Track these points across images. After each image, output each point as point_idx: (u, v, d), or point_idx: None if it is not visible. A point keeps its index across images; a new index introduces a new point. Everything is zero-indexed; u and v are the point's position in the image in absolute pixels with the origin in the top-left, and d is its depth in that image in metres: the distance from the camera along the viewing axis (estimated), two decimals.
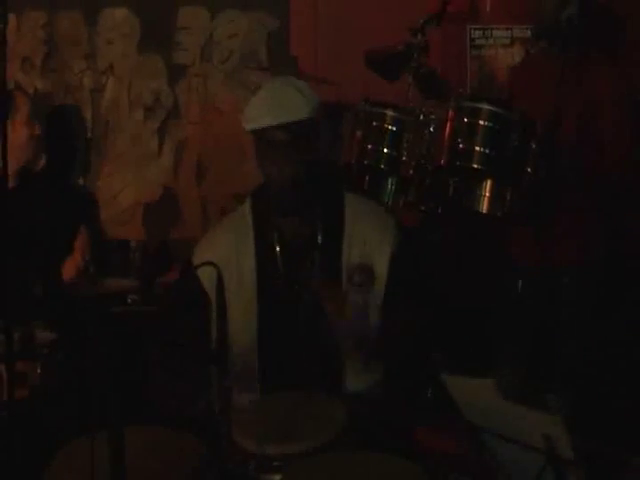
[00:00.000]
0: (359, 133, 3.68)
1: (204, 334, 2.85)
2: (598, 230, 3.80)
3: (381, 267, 2.94)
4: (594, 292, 3.79)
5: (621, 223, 3.86)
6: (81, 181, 5.26)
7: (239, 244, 3.00)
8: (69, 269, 3.94)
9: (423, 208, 3.63)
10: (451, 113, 3.38)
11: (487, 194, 3.37)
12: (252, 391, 2.95)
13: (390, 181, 3.72)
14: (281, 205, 2.95)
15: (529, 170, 3.33)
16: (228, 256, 2.97)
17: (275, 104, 2.89)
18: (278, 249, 2.98)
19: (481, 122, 3.31)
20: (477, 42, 4.99)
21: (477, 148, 3.30)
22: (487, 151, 3.30)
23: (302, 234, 2.99)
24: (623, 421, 3.50)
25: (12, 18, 5.20)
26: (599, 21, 3.95)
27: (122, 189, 5.38)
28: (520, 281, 3.88)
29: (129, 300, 4.18)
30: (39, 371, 3.20)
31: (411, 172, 3.60)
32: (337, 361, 2.94)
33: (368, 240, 2.96)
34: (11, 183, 3.97)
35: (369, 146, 3.66)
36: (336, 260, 2.95)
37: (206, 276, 2.85)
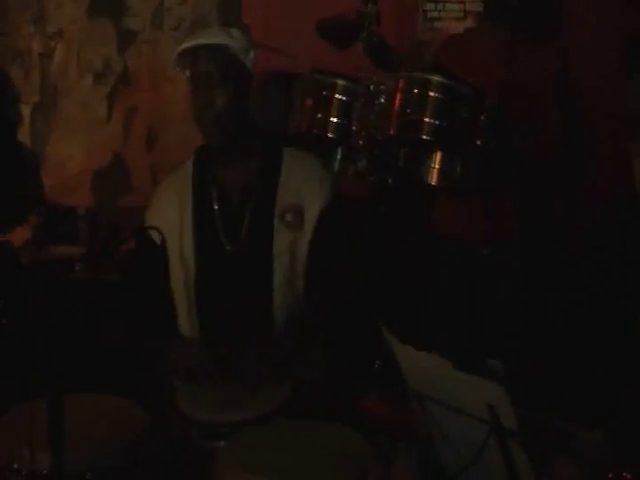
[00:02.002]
0: (309, 102, 3.66)
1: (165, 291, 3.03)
2: (524, 206, 3.82)
3: (311, 214, 3.00)
4: (523, 264, 3.80)
5: (546, 199, 3.87)
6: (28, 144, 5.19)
7: (180, 202, 3.06)
8: (19, 237, 3.89)
9: (372, 178, 3.62)
10: (401, 83, 3.37)
11: (437, 166, 3.38)
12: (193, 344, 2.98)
13: (339, 151, 3.71)
14: (219, 148, 3.07)
15: (479, 143, 3.33)
16: (171, 216, 3.08)
17: (198, 34, 3.18)
18: (217, 205, 3.03)
19: (431, 93, 3.30)
20: (430, 15, 4.98)
21: (427, 119, 3.29)
22: (437, 122, 3.29)
23: (240, 188, 3.04)
24: (563, 391, 3.54)
25: None
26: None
27: (71, 155, 5.34)
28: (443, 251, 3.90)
29: (76, 268, 4.14)
30: None
31: (361, 142, 3.59)
32: (268, 303, 2.99)
33: (303, 189, 3.06)
34: None
35: (318, 115, 3.63)
36: (269, 206, 3.00)
37: (157, 236, 2.92)
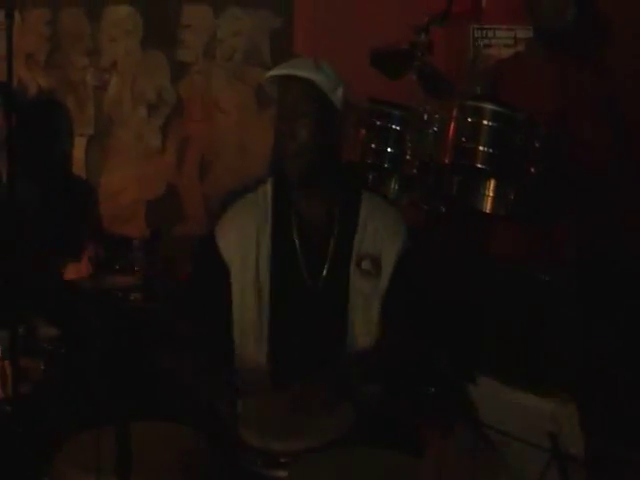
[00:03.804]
0: (363, 132, 3.68)
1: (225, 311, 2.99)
2: (578, 230, 3.81)
3: (388, 262, 2.98)
4: (580, 291, 3.80)
5: (601, 224, 3.87)
6: (84, 176, 5.26)
7: (259, 226, 3.03)
8: (76, 270, 3.95)
9: (426, 207, 3.63)
10: (455, 112, 3.38)
11: (490, 194, 3.38)
12: (260, 382, 2.97)
13: (393, 180, 3.72)
14: (303, 185, 3.02)
15: (532, 170, 3.33)
16: (248, 237, 3.02)
17: (293, 63, 3.10)
18: (296, 234, 3.02)
19: (485, 122, 3.31)
20: (480, 42, 5.00)
21: (481, 148, 3.30)
22: (491, 150, 3.30)
23: (319, 222, 3.03)
24: (623, 419, 3.51)
25: (16, 15, 5.20)
26: (590, 22, 3.96)
27: (125, 186, 5.40)
28: (502, 277, 3.90)
29: (132, 297, 4.19)
30: (42, 367, 3.20)
31: (414, 171, 3.60)
32: (343, 351, 2.98)
33: (380, 237, 3.01)
34: None
35: (373, 145, 3.65)
36: (348, 249, 2.99)
37: (230, 250, 2.98)
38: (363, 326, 2.97)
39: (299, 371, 2.82)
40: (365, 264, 2.91)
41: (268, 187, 3.10)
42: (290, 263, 3.00)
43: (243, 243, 2.98)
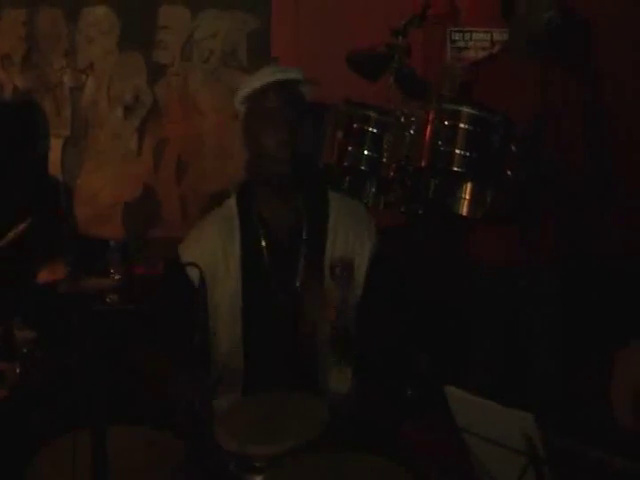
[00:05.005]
0: (339, 134, 3.68)
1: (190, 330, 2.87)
2: (556, 233, 3.83)
3: (361, 264, 2.98)
4: (560, 291, 3.82)
5: (580, 226, 3.89)
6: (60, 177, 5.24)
7: (225, 240, 3.01)
8: (52, 271, 3.93)
9: (403, 210, 3.63)
10: (432, 115, 3.38)
11: (467, 197, 3.38)
12: (234, 390, 2.96)
13: (370, 182, 3.72)
14: (272, 193, 2.99)
15: (509, 173, 3.34)
16: (215, 253, 2.99)
17: (265, 71, 3.04)
18: (264, 244, 3.00)
19: (461, 125, 3.31)
20: (457, 44, 5.01)
21: (457, 151, 3.30)
22: (467, 154, 3.30)
23: (287, 229, 3.01)
24: (589, 418, 3.53)
25: None
26: (571, 25, 3.98)
27: (102, 187, 5.38)
28: (482, 281, 3.92)
29: (108, 299, 4.16)
30: (18, 371, 3.18)
31: (391, 174, 3.60)
32: (316, 359, 2.96)
33: (350, 238, 3.00)
34: None
35: (349, 147, 3.64)
36: (319, 255, 2.98)
37: (194, 273, 2.86)
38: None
39: (274, 379, 2.83)
40: (338, 270, 2.88)
41: (232, 201, 3.09)
42: (260, 277, 2.98)
43: (211, 256, 2.96)
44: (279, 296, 2.98)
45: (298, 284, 2.97)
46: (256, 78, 3.01)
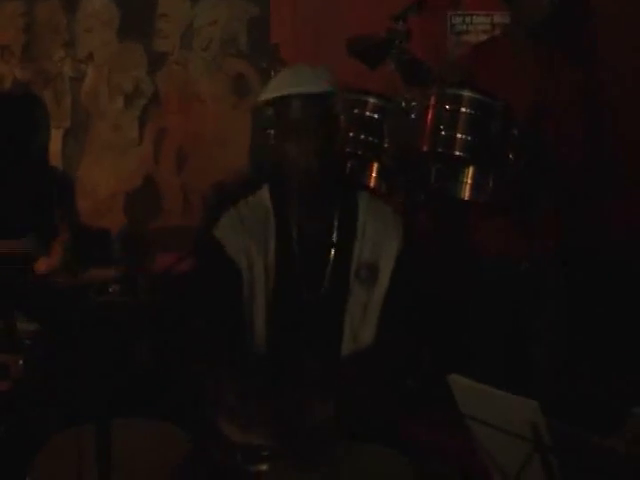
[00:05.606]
0: (340, 120, 3.67)
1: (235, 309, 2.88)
2: (558, 221, 3.81)
3: (386, 268, 2.93)
4: (557, 282, 3.80)
5: (581, 215, 3.87)
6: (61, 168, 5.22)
7: (262, 235, 2.93)
8: (49, 261, 3.93)
9: (405, 195, 3.62)
10: (433, 100, 3.37)
11: (469, 181, 3.38)
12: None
13: (372, 168, 3.71)
14: (304, 196, 2.91)
15: (511, 157, 3.32)
16: (256, 246, 2.91)
17: (295, 77, 2.86)
18: (296, 242, 2.94)
19: (463, 109, 3.30)
20: (458, 28, 4.99)
21: (459, 135, 3.29)
22: (469, 138, 3.29)
23: (319, 232, 2.95)
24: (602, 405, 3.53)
25: None
26: (574, 14, 3.96)
27: (103, 178, 5.37)
28: (483, 271, 3.89)
29: (110, 290, 4.16)
30: (21, 363, 3.18)
31: (393, 159, 3.60)
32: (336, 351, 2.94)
33: (378, 240, 2.94)
34: None
35: (351, 133, 3.64)
36: (348, 259, 2.94)
37: (239, 253, 2.86)
38: (360, 333, 2.92)
39: (296, 379, 2.80)
40: (364, 272, 2.85)
41: (266, 194, 3.01)
42: (290, 276, 2.93)
43: (251, 249, 2.88)
44: (305, 296, 2.94)
45: (326, 286, 2.93)
46: (277, 84, 2.89)
